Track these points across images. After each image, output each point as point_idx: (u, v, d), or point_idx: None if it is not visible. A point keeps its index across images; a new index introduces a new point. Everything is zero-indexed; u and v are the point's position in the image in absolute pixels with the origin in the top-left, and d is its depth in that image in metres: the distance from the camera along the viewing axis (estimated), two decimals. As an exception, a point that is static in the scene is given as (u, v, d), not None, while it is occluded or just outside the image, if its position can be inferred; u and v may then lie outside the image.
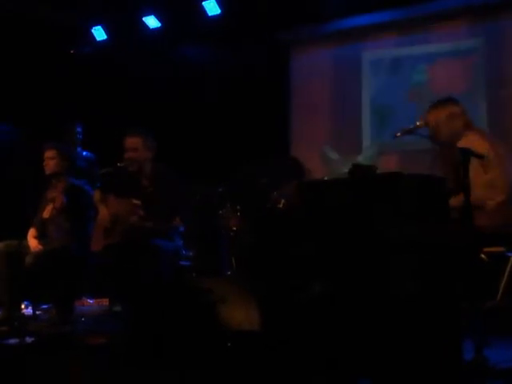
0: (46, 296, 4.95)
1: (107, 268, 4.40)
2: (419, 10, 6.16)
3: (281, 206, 4.81)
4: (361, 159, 6.11)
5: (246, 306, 3.32)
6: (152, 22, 6.88)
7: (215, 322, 3.33)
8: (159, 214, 4.29)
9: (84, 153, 6.18)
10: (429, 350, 2.69)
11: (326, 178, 4.74)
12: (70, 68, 7.03)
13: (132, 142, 4.50)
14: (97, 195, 4.63)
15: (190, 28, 6.79)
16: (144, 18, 6.87)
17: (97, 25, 7.11)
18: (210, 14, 6.56)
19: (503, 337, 3.35)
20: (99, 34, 7.16)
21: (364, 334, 2.72)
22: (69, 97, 6.83)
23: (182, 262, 5.10)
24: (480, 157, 3.43)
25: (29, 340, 4.04)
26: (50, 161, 4.90)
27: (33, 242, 4.74)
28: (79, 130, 6.17)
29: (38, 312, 5.05)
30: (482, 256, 3.50)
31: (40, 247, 4.69)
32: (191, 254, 5.47)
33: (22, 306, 5.04)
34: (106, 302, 5.28)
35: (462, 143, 3.66)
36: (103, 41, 7.18)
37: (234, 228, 5.35)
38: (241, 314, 3.31)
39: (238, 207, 5.42)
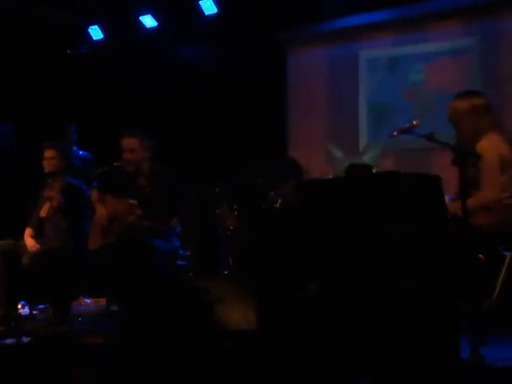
0: (43, 296, 4.94)
1: (104, 267, 4.40)
2: (416, 10, 6.17)
3: (278, 205, 4.81)
4: (366, 159, 6.13)
5: (244, 305, 3.32)
6: (149, 21, 6.88)
7: (212, 322, 3.33)
8: (157, 214, 4.29)
9: (80, 152, 6.18)
10: (427, 349, 2.69)
11: (330, 177, 4.74)
12: (67, 67, 7.01)
13: (129, 142, 4.49)
14: (94, 195, 4.62)
15: (186, 27, 6.79)
16: (141, 18, 6.87)
17: (93, 24, 7.11)
18: (206, 14, 6.57)
19: (500, 335, 3.35)
20: (96, 33, 7.15)
21: (363, 334, 2.72)
22: (65, 96, 6.82)
23: (180, 262, 5.10)
24: (477, 157, 3.43)
25: (25, 340, 4.03)
26: (50, 160, 4.90)
27: (30, 242, 4.73)
28: (74, 129, 6.16)
29: (34, 312, 5.04)
30: (479, 255, 3.50)
31: (37, 246, 4.69)
32: (188, 253, 5.47)
33: (19, 306, 5.03)
34: (103, 301, 5.27)
35: (484, 143, 3.64)
36: (100, 40, 7.18)
37: (232, 228, 5.36)
38: (238, 314, 3.31)
39: (236, 207, 5.42)
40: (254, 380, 2.91)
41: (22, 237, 4.81)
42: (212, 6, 6.51)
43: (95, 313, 5.11)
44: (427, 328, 2.70)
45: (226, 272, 5.28)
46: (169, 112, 6.92)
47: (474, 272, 3.09)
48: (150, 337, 3.42)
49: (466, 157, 3.27)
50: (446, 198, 3.34)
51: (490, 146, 3.63)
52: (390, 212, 2.70)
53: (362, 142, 6.60)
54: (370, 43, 6.64)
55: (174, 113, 6.92)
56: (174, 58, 7.05)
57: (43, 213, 4.84)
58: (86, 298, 5.63)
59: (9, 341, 4.06)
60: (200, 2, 6.53)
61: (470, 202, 3.41)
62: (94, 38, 7.18)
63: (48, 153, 4.91)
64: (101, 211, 4.51)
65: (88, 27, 7.12)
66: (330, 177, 4.70)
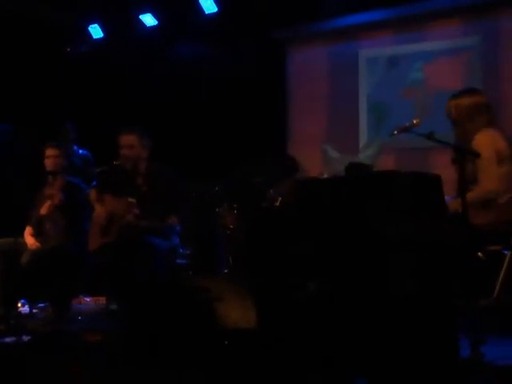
0: (43, 294, 4.95)
1: (103, 266, 4.40)
2: (416, 9, 6.16)
3: (277, 204, 4.81)
4: (362, 158, 6.12)
5: (243, 304, 3.32)
6: (149, 20, 6.88)
7: (212, 321, 3.33)
8: (154, 213, 4.29)
9: (80, 151, 6.17)
10: (425, 348, 2.69)
11: (325, 176, 4.74)
12: (67, 66, 7.01)
13: (128, 139, 4.49)
14: (93, 194, 4.62)
15: (186, 26, 6.78)
16: (141, 16, 6.87)
17: (93, 23, 7.10)
18: (206, 12, 6.56)
19: (499, 334, 3.35)
20: (96, 32, 7.15)
21: (360, 333, 2.72)
22: (65, 95, 6.82)
23: (179, 261, 5.11)
24: (476, 155, 3.44)
25: (25, 338, 4.03)
26: (53, 159, 4.90)
27: (30, 240, 4.74)
28: (72, 127, 6.15)
29: (34, 310, 5.04)
30: (479, 254, 3.50)
31: (37, 244, 4.69)
32: (188, 252, 5.47)
33: (19, 305, 5.03)
34: (102, 300, 5.27)
35: (480, 138, 3.66)
36: (100, 39, 7.18)
37: (231, 226, 5.35)
38: (237, 313, 3.31)
39: (235, 205, 5.42)
40: (253, 378, 2.91)
41: (21, 235, 4.81)
42: (212, 4, 6.51)
43: (95, 311, 5.11)
44: (425, 326, 2.70)
45: (225, 271, 5.28)
46: (169, 111, 6.92)
47: (473, 271, 3.09)
48: (149, 335, 3.42)
49: (465, 155, 3.28)
50: (446, 199, 3.34)
51: (485, 140, 3.65)
52: (389, 211, 2.70)
53: (362, 140, 6.59)
54: (370, 42, 6.64)
55: (173, 111, 6.92)
56: (173, 57, 7.04)
57: (44, 211, 4.84)
58: (85, 296, 5.63)
59: (9, 339, 4.06)
60: (200, 1, 6.53)
61: (470, 195, 3.41)
62: (94, 37, 7.18)
63: (50, 151, 4.91)
64: (99, 211, 4.51)
65: (88, 26, 7.12)
66: (325, 176, 4.70)
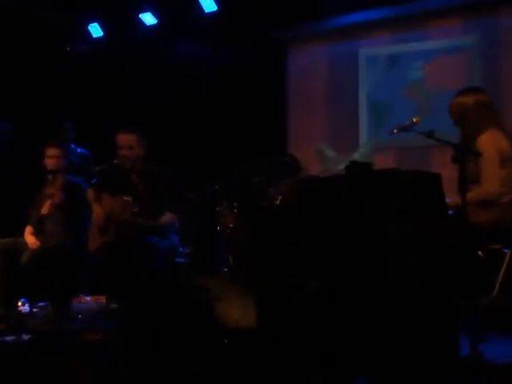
0: (43, 293, 4.94)
1: (103, 266, 4.40)
2: (415, 7, 6.17)
3: (277, 203, 4.81)
4: (356, 156, 6.12)
5: (243, 303, 3.32)
6: (149, 18, 6.88)
7: (212, 320, 3.34)
8: (150, 212, 4.29)
9: (79, 150, 6.17)
10: (426, 347, 2.69)
11: (321, 175, 4.75)
12: (67, 65, 7.01)
13: (127, 139, 4.47)
14: (90, 194, 4.61)
15: (186, 25, 6.78)
16: (141, 15, 6.86)
17: (93, 22, 7.10)
18: (206, 11, 6.56)
19: (499, 333, 3.36)
20: (96, 31, 7.15)
21: (361, 332, 2.72)
22: (65, 94, 6.82)
23: (179, 260, 5.10)
24: (477, 154, 3.44)
25: (25, 337, 4.03)
26: (54, 159, 4.90)
27: (30, 239, 4.74)
28: (70, 126, 6.14)
29: (34, 309, 5.04)
30: (479, 252, 3.51)
31: (38, 244, 4.69)
32: (188, 251, 5.47)
33: (19, 304, 5.04)
34: (102, 299, 5.27)
35: (484, 138, 3.65)
36: (99, 38, 7.17)
37: (231, 225, 5.35)
38: (237, 312, 3.31)
39: (235, 205, 5.42)
40: (254, 377, 2.91)
41: (21, 235, 4.81)
42: (212, 3, 6.51)
43: (95, 310, 5.11)
44: (425, 325, 2.70)
45: (225, 270, 5.28)
46: (168, 110, 6.91)
47: (473, 269, 3.09)
48: (149, 334, 3.42)
49: (466, 154, 3.28)
50: (448, 201, 3.34)
51: (489, 141, 3.64)
52: (389, 210, 2.70)
53: (362, 139, 6.60)
54: (370, 41, 6.64)
55: (173, 111, 6.91)
56: (173, 56, 7.04)
57: (44, 210, 4.84)
58: (85, 295, 5.63)
59: (9, 338, 4.06)
60: (200, 0, 6.53)
61: (470, 195, 3.41)
62: (94, 36, 7.18)
63: (51, 151, 4.91)
64: (97, 210, 4.50)
65: (88, 25, 7.12)
66: (322, 175, 4.70)
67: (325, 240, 2.87)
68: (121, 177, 4.50)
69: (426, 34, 6.32)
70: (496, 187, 3.61)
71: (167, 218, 4.40)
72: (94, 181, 4.71)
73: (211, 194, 5.55)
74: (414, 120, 3.42)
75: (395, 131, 3.49)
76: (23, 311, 5.03)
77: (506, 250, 3.60)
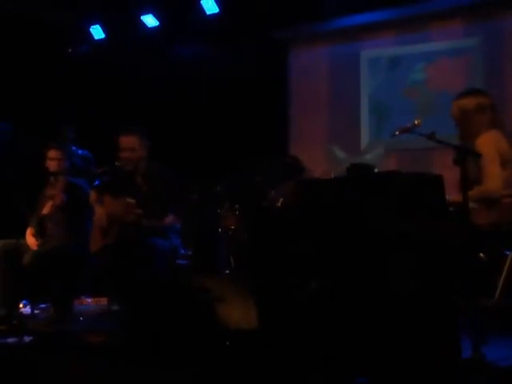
0: (45, 295, 4.95)
1: (104, 267, 4.40)
2: (417, 9, 6.16)
3: (279, 204, 4.81)
4: (368, 158, 6.13)
5: (244, 304, 3.32)
6: (150, 20, 6.89)
7: (213, 321, 3.33)
8: (154, 213, 4.29)
9: (80, 151, 6.17)
10: (426, 348, 2.69)
11: (325, 177, 4.74)
12: (68, 67, 7.02)
13: (129, 141, 4.48)
14: (93, 195, 4.61)
15: (188, 27, 6.79)
16: (142, 17, 6.87)
17: (95, 24, 7.11)
18: (208, 13, 6.57)
19: (501, 335, 3.35)
20: (97, 32, 7.16)
21: (361, 332, 2.72)
22: (66, 96, 6.83)
23: (180, 261, 5.10)
24: (477, 155, 3.43)
25: (27, 339, 4.03)
26: (55, 161, 4.91)
27: (31, 240, 4.74)
28: (70, 128, 6.14)
29: (36, 311, 5.04)
30: (481, 254, 3.50)
31: (37, 243, 4.69)
32: (189, 252, 5.47)
33: (21, 305, 5.03)
34: (104, 300, 5.27)
35: (483, 139, 3.65)
36: (101, 40, 7.18)
37: (232, 227, 5.36)
38: (239, 313, 3.31)
39: (237, 206, 5.42)
40: (255, 378, 2.91)
41: (23, 236, 4.81)
42: (213, 5, 6.52)
43: (96, 312, 5.10)
44: (426, 326, 2.70)
45: (226, 271, 5.28)
46: (170, 111, 6.92)
47: (475, 271, 3.09)
48: (151, 336, 3.42)
49: (466, 155, 3.27)
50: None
51: (487, 141, 3.65)
52: (390, 210, 2.70)
53: (364, 140, 6.60)
54: (372, 42, 6.64)
55: (175, 112, 6.92)
56: (175, 58, 7.05)
57: (46, 211, 4.85)
58: (87, 297, 5.63)
59: (10, 340, 4.06)
60: (201, 2, 6.54)
61: (472, 193, 3.41)
62: (96, 38, 7.19)
63: (53, 153, 4.92)
64: (100, 212, 4.50)
65: (89, 27, 7.13)
66: (325, 176, 4.70)
67: (325, 240, 2.87)
68: (124, 179, 4.51)
69: (427, 35, 6.32)
70: (497, 185, 3.60)
71: (169, 219, 4.40)
72: (96, 182, 4.71)
73: (212, 196, 5.55)
74: (416, 122, 3.42)
75: (397, 133, 3.48)
76: (25, 313, 5.03)
77: (507, 252, 3.59)
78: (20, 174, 5.74)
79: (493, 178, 3.61)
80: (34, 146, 5.16)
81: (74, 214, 4.81)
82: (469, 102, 3.80)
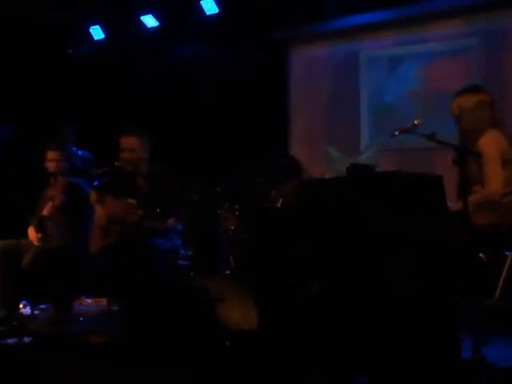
0: (45, 295, 4.94)
1: (105, 267, 4.39)
2: (417, 10, 6.16)
3: (279, 205, 4.81)
4: (363, 158, 6.13)
5: (245, 305, 3.32)
6: (150, 21, 6.89)
7: (213, 321, 3.34)
8: (155, 213, 4.29)
9: (80, 152, 6.17)
10: (427, 348, 2.69)
11: (324, 177, 4.75)
12: (68, 67, 7.02)
13: (129, 142, 4.48)
14: (93, 196, 4.61)
15: (188, 27, 6.79)
16: (142, 17, 6.87)
17: (95, 24, 7.11)
18: (208, 13, 6.57)
19: (501, 335, 3.35)
20: (97, 33, 7.16)
21: (361, 332, 2.72)
22: (66, 96, 6.83)
23: (181, 262, 5.10)
24: (477, 155, 3.43)
25: (27, 339, 4.03)
26: (54, 162, 4.91)
27: (33, 234, 4.75)
28: (70, 129, 6.15)
29: (36, 311, 5.04)
30: (480, 254, 3.50)
31: (39, 237, 4.70)
32: (189, 253, 5.47)
33: (21, 306, 5.03)
34: (104, 301, 5.27)
35: (485, 139, 3.65)
36: (101, 40, 7.18)
37: (233, 227, 5.36)
38: (239, 313, 3.32)
39: (237, 206, 5.42)
40: (255, 378, 2.91)
41: (23, 236, 4.82)
42: (213, 6, 6.52)
43: (96, 312, 5.10)
44: (426, 326, 2.70)
45: (227, 272, 5.28)
46: (170, 111, 6.92)
47: (475, 271, 3.09)
48: (151, 336, 3.42)
49: (467, 156, 3.27)
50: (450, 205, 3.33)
51: (490, 141, 3.64)
52: (390, 211, 2.70)
53: (363, 141, 6.60)
54: (371, 43, 6.64)
55: (175, 112, 6.92)
56: (175, 58, 7.05)
57: (46, 212, 4.85)
58: (87, 297, 5.62)
59: (10, 340, 4.06)
60: (201, 2, 6.54)
61: (473, 198, 3.41)
62: (95, 38, 7.19)
63: (52, 155, 4.92)
64: (100, 212, 4.50)
65: (89, 27, 7.13)
66: (327, 177, 4.70)
67: (325, 241, 2.88)
68: (125, 179, 4.51)
69: (427, 36, 6.31)
70: (498, 187, 3.60)
71: (171, 221, 4.41)
72: (96, 183, 4.71)
73: (212, 196, 5.55)
74: (416, 122, 3.41)
75: (397, 133, 3.48)
76: (24, 313, 5.03)
77: (507, 253, 3.59)
78: (20, 175, 5.75)
79: (494, 180, 3.60)
80: (34, 146, 5.16)
81: (73, 214, 4.81)
82: (469, 99, 3.79)
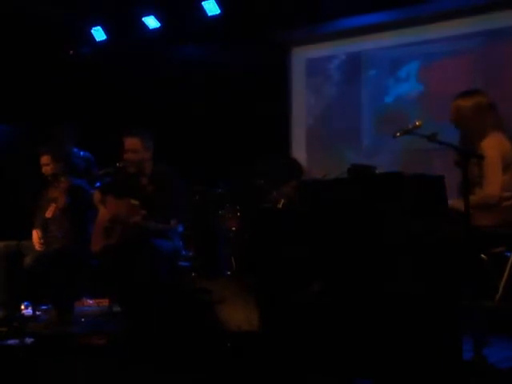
0: (46, 296, 4.95)
1: (106, 269, 4.39)
2: (418, 10, 6.16)
3: (280, 205, 4.81)
4: (364, 159, 6.12)
5: (246, 306, 3.32)
6: (152, 22, 6.89)
7: (214, 323, 3.34)
8: (159, 214, 4.29)
9: (81, 153, 6.17)
10: (428, 350, 2.69)
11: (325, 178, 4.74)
12: (70, 68, 7.03)
13: (132, 143, 4.49)
14: (97, 196, 4.62)
15: (189, 28, 6.79)
16: (144, 19, 6.88)
17: (96, 25, 7.12)
18: (209, 14, 6.57)
19: (502, 337, 3.35)
20: (99, 34, 7.16)
21: (364, 334, 2.72)
22: (68, 97, 6.84)
23: (182, 263, 5.10)
24: (479, 157, 3.43)
25: (28, 341, 4.03)
26: (47, 166, 4.94)
27: (36, 240, 4.76)
28: (69, 129, 6.14)
29: (37, 312, 5.04)
30: (482, 255, 3.50)
31: (42, 241, 4.71)
32: (191, 254, 5.47)
33: (22, 307, 5.04)
34: (105, 302, 5.27)
35: (487, 142, 3.64)
36: (103, 41, 7.19)
37: (234, 228, 5.36)
38: (240, 315, 3.32)
39: (238, 207, 5.42)
40: (255, 380, 2.91)
41: (25, 238, 4.82)
42: (215, 7, 6.52)
43: (98, 314, 5.10)
44: (428, 328, 2.70)
45: (228, 273, 5.28)
46: (172, 112, 6.92)
47: (476, 272, 3.09)
48: (152, 337, 3.42)
49: (468, 157, 3.27)
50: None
51: (492, 144, 3.63)
52: (391, 212, 2.70)
53: (364, 142, 6.60)
54: (372, 44, 6.63)
55: (176, 113, 6.92)
56: (176, 59, 7.05)
57: (48, 214, 4.86)
58: (88, 298, 5.63)
59: (12, 341, 4.07)
60: (203, 3, 6.54)
61: (472, 199, 3.41)
62: (97, 39, 7.19)
63: (44, 159, 4.96)
64: (102, 212, 4.51)
65: (91, 28, 7.13)
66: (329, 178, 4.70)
67: (327, 242, 2.88)
68: (128, 180, 4.51)
69: (428, 36, 6.31)
70: (497, 191, 3.59)
71: (173, 222, 4.41)
72: (97, 184, 4.72)
73: (214, 197, 5.55)
74: (417, 123, 3.41)
75: (398, 134, 3.47)
76: (26, 314, 5.03)
77: (508, 254, 3.59)
78: (21, 175, 5.75)
79: (493, 184, 3.59)
80: (35, 146, 5.16)
81: (76, 216, 4.82)
82: (466, 103, 3.79)
